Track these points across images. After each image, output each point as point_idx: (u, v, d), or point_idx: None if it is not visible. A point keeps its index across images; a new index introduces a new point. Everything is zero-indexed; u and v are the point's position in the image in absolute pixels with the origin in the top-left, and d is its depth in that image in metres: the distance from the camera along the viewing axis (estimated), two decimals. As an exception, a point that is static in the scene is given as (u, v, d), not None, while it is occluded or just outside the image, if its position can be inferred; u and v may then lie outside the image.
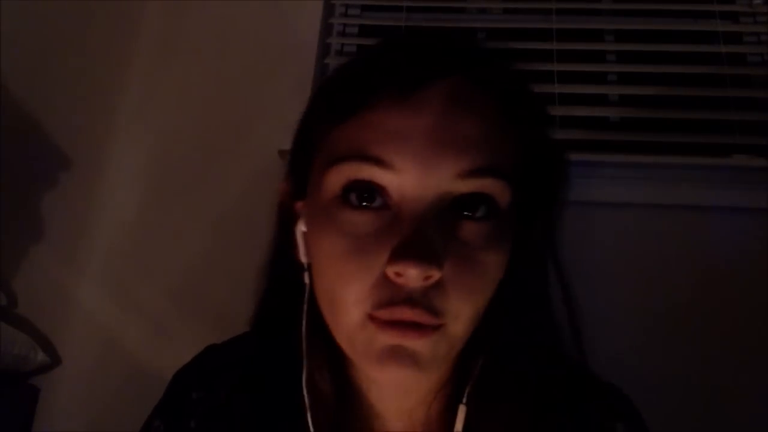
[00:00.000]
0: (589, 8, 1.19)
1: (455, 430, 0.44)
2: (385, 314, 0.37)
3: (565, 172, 0.45)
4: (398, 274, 0.36)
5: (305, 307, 0.45)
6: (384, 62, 0.41)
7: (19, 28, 0.91)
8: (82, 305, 1.07)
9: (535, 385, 0.44)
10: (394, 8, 1.22)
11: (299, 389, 0.45)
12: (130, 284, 1.08)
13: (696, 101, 1.09)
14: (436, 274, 0.36)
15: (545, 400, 0.45)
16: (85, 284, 1.08)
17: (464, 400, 0.44)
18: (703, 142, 1.07)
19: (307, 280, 0.45)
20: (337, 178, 0.39)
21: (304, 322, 0.45)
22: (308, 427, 0.44)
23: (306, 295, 0.45)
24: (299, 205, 0.46)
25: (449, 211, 0.38)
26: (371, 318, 0.38)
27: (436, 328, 0.38)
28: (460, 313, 0.38)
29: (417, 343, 0.37)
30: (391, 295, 0.37)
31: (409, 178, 0.37)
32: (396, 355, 0.37)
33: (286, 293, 0.47)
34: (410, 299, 0.36)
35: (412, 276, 0.36)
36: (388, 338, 0.37)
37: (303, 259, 0.45)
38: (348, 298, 0.38)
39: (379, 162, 0.37)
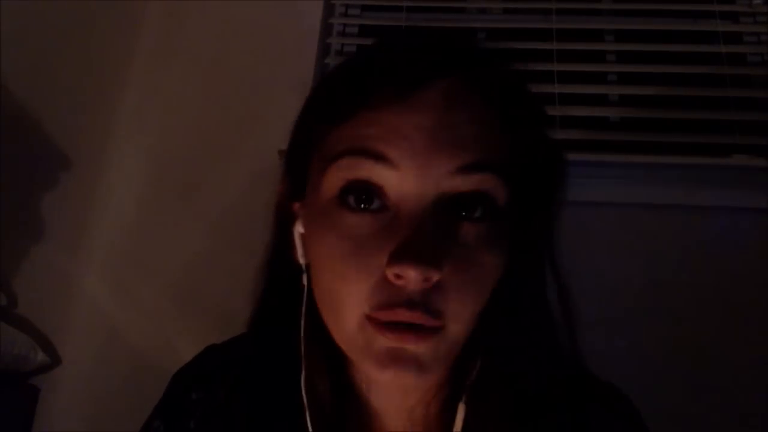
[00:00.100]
0: (589, 8, 1.19)
1: (455, 429, 0.44)
2: (383, 315, 0.37)
3: (563, 172, 0.45)
4: (398, 276, 0.36)
5: (303, 308, 0.45)
6: (382, 63, 0.41)
7: (19, 28, 0.91)
8: (82, 305, 1.07)
9: (534, 385, 0.44)
10: (394, 8, 1.22)
11: (298, 390, 0.45)
12: (130, 284, 1.08)
13: (696, 101, 1.09)
14: (435, 276, 0.36)
15: (544, 400, 0.45)
16: (85, 284, 1.08)
17: (463, 400, 0.44)
18: (703, 142, 1.07)
19: (305, 281, 0.45)
20: (336, 178, 0.39)
21: (302, 324, 0.45)
22: (307, 428, 0.44)
23: (304, 296, 0.45)
24: (296, 206, 0.46)
25: (447, 212, 0.38)
26: (370, 319, 0.38)
27: (435, 330, 0.38)
28: (460, 315, 0.38)
29: (418, 347, 0.37)
30: (390, 297, 0.37)
31: (408, 175, 0.37)
32: (396, 357, 0.37)
33: (283, 294, 0.47)
34: (409, 301, 0.36)
35: (411, 278, 0.36)
36: (389, 341, 0.37)
37: (301, 260, 0.45)
38: (347, 300, 0.38)
39: (378, 157, 0.37)
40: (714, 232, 0.99)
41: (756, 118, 1.07)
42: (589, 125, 1.12)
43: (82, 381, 1.04)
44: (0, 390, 0.96)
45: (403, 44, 0.45)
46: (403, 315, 0.36)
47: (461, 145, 0.38)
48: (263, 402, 0.46)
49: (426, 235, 0.36)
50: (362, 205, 0.38)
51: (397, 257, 0.36)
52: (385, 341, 0.37)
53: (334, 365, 0.46)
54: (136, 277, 1.08)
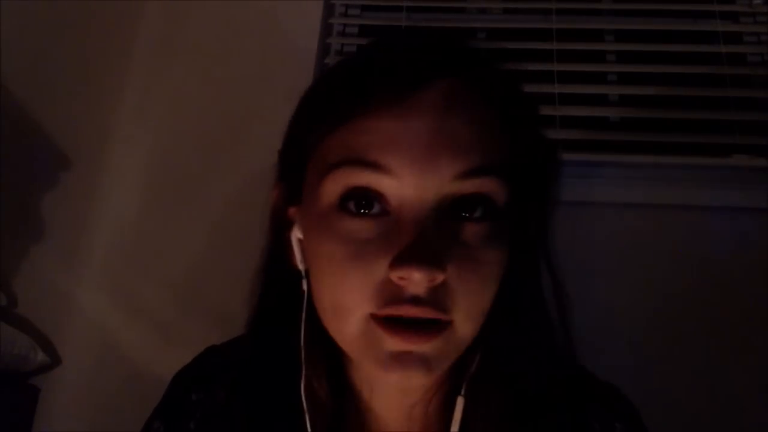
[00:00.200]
0: (589, 8, 1.19)
1: (453, 421, 0.44)
2: (389, 311, 0.37)
3: (558, 172, 0.45)
4: (402, 279, 0.36)
5: (303, 314, 0.45)
6: (380, 63, 0.41)
7: (19, 28, 0.91)
8: (82, 305, 1.07)
9: (534, 385, 0.45)
10: (394, 8, 1.22)
11: (297, 391, 0.45)
12: (130, 284, 1.08)
13: (696, 101, 1.09)
14: (439, 277, 0.36)
15: (544, 400, 0.45)
16: (85, 284, 1.08)
17: (462, 393, 0.44)
18: (703, 142, 1.07)
19: (305, 287, 0.44)
20: (334, 185, 0.38)
21: (302, 328, 0.45)
22: (306, 429, 0.44)
23: (305, 301, 0.45)
24: (292, 210, 0.46)
25: (448, 213, 0.38)
26: (375, 318, 0.38)
27: (443, 327, 0.38)
28: (467, 311, 0.38)
29: (426, 346, 0.37)
30: (395, 295, 0.37)
31: (408, 182, 0.37)
32: (404, 360, 0.37)
33: (281, 299, 0.47)
34: (415, 298, 0.37)
35: (416, 280, 0.36)
36: (395, 344, 0.37)
37: (300, 266, 0.45)
38: (350, 302, 0.38)
39: (376, 167, 0.37)
40: (714, 232, 0.99)
41: (756, 118, 1.07)
42: (589, 125, 1.11)
43: (82, 381, 1.04)
44: (0, 390, 0.96)
45: (401, 44, 0.44)
46: (410, 310, 0.37)
47: (461, 149, 0.37)
48: (263, 403, 0.46)
49: (428, 237, 0.36)
50: (362, 210, 0.38)
51: (401, 260, 0.36)
52: (391, 344, 0.37)
53: (334, 367, 0.46)
54: (136, 277, 1.08)
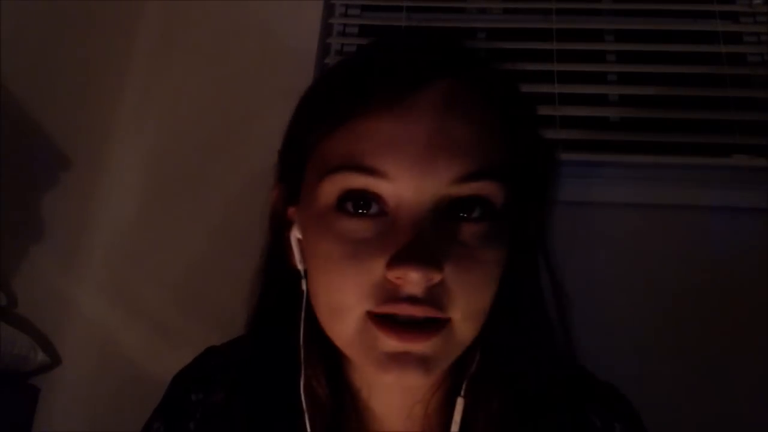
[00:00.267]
0: (589, 8, 1.19)
1: (453, 421, 0.44)
2: (386, 309, 0.37)
3: (556, 172, 0.45)
4: (399, 278, 0.36)
5: (302, 314, 0.45)
6: (376, 66, 0.41)
7: (19, 28, 0.91)
8: (82, 305, 1.07)
9: (534, 385, 0.45)
10: (394, 8, 1.22)
11: (297, 391, 0.45)
12: (130, 284, 1.08)
13: (696, 101, 1.09)
14: (436, 277, 0.36)
15: (544, 399, 0.45)
16: (85, 284, 1.08)
17: (462, 393, 0.44)
18: (703, 142, 1.07)
19: (304, 287, 0.44)
20: (332, 188, 0.39)
21: (302, 328, 0.45)
22: (306, 429, 0.44)
23: (303, 301, 0.45)
24: (292, 211, 0.46)
25: (446, 213, 0.38)
26: (371, 317, 0.38)
27: (441, 326, 0.38)
28: (466, 311, 0.38)
29: (423, 346, 0.37)
30: (392, 293, 0.37)
31: (405, 185, 0.37)
32: (401, 360, 0.37)
33: (280, 299, 0.47)
34: (412, 297, 0.37)
35: (413, 280, 0.36)
36: (391, 344, 0.37)
37: (299, 266, 0.45)
38: (347, 302, 0.38)
39: (373, 172, 0.37)
40: (714, 232, 0.99)
41: (756, 118, 1.07)
42: (589, 125, 1.11)
43: (82, 381, 1.04)
44: (0, 390, 0.96)
45: (401, 45, 0.44)
46: (406, 309, 0.37)
47: (459, 152, 0.37)
48: (262, 403, 0.46)
49: (425, 237, 0.36)
50: (360, 211, 0.38)
51: (398, 260, 0.36)
52: (387, 344, 0.37)
53: (333, 367, 0.46)
54: (136, 277, 1.08)
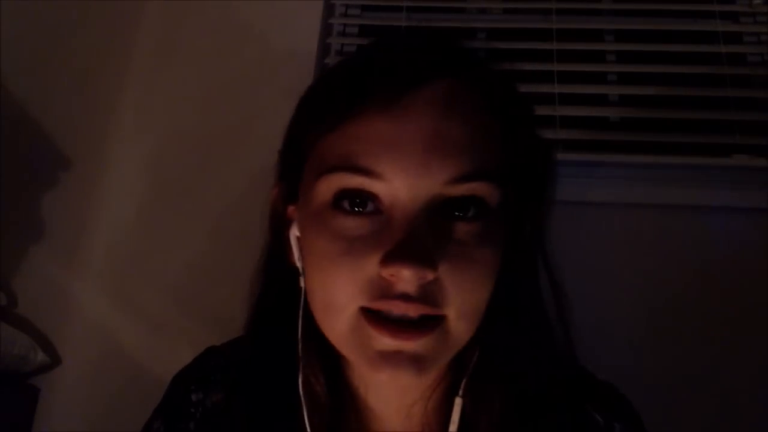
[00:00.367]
0: (589, 8, 1.19)
1: (452, 421, 0.44)
2: (379, 305, 0.37)
3: (553, 172, 0.45)
4: (392, 276, 0.36)
5: (300, 312, 0.45)
6: (375, 66, 0.41)
7: (19, 28, 0.91)
8: (82, 305, 1.07)
9: (534, 385, 0.45)
10: (394, 8, 1.22)
11: (296, 390, 0.45)
12: (130, 284, 1.08)
13: (696, 101, 1.09)
14: (429, 275, 0.36)
15: (543, 399, 0.45)
16: (85, 284, 1.08)
17: (460, 393, 0.44)
18: (703, 142, 1.07)
19: (302, 284, 0.45)
20: (328, 187, 0.39)
21: (300, 326, 0.45)
22: (305, 428, 0.44)
23: (302, 298, 0.45)
24: (291, 209, 0.46)
25: (440, 212, 0.38)
26: (365, 312, 0.38)
27: (436, 323, 0.38)
28: (460, 309, 0.38)
29: (416, 344, 0.37)
30: (385, 291, 0.37)
31: (400, 186, 0.37)
32: (394, 359, 0.37)
33: (280, 297, 0.47)
34: (405, 295, 0.37)
35: (406, 277, 0.36)
36: (384, 342, 0.37)
37: (298, 263, 0.45)
38: (341, 299, 0.38)
39: (368, 173, 0.37)
40: (714, 232, 0.99)
41: (756, 118, 1.07)
42: (589, 125, 1.11)
43: (82, 381, 1.04)
44: (0, 390, 0.96)
45: (399, 45, 0.45)
46: (399, 306, 0.37)
47: (454, 152, 0.38)
48: (262, 403, 0.47)
49: (419, 235, 0.36)
50: (356, 209, 0.39)
51: (392, 258, 0.36)
52: (380, 342, 0.37)
53: (331, 366, 0.46)
54: (136, 277, 1.08)
